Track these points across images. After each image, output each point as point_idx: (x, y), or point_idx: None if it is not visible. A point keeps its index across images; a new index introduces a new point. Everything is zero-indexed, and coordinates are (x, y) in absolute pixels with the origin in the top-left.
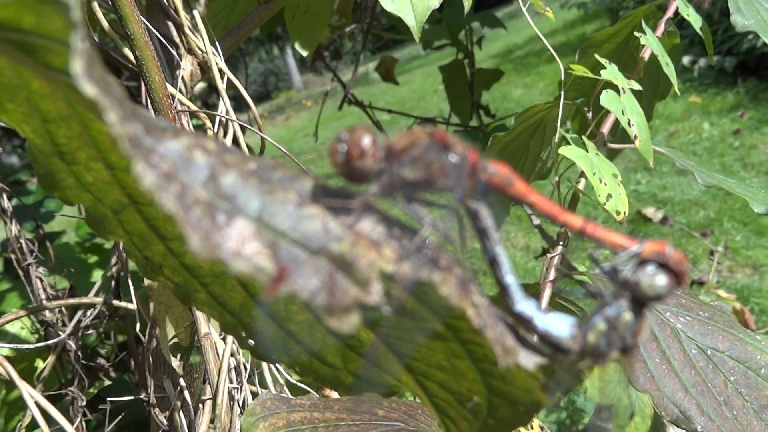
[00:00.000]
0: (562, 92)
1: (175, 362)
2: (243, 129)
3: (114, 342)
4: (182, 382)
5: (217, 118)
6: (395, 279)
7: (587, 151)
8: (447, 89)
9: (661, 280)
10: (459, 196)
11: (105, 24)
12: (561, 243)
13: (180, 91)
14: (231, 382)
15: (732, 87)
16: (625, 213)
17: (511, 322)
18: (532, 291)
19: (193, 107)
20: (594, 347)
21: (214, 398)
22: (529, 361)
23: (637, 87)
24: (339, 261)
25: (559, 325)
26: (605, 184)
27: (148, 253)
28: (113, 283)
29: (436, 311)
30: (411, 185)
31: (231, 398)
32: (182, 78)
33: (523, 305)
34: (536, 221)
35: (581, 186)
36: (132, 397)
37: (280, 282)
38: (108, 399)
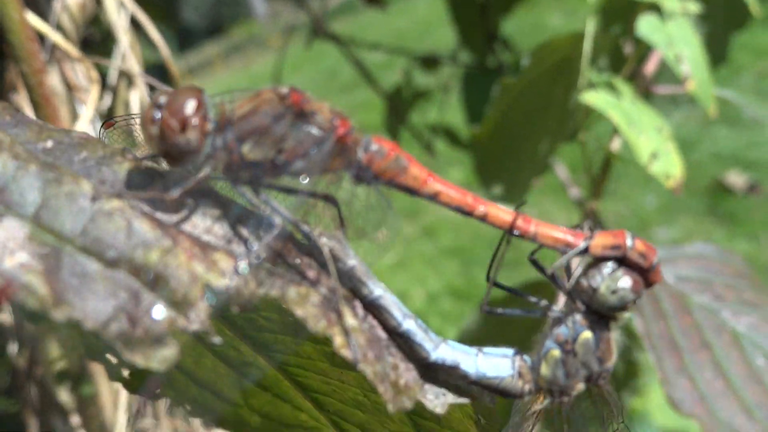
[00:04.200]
0: (591, 19)
1: (64, 394)
2: (159, 81)
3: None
4: (71, 420)
5: (112, 70)
6: (230, 297)
7: (620, 98)
8: (453, 14)
9: (625, 281)
10: (314, 180)
11: None
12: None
13: (63, 31)
14: (141, 415)
15: None
16: (678, 177)
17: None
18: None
19: (74, 53)
20: (550, 382)
21: None
22: (438, 401)
23: (694, 8)
24: (147, 275)
25: (497, 363)
26: (647, 140)
27: None
28: None
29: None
30: (257, 167)
31: None
32: (67, 12)
33: (441, 351)
34: (574, 193)
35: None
36: None
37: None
38: None
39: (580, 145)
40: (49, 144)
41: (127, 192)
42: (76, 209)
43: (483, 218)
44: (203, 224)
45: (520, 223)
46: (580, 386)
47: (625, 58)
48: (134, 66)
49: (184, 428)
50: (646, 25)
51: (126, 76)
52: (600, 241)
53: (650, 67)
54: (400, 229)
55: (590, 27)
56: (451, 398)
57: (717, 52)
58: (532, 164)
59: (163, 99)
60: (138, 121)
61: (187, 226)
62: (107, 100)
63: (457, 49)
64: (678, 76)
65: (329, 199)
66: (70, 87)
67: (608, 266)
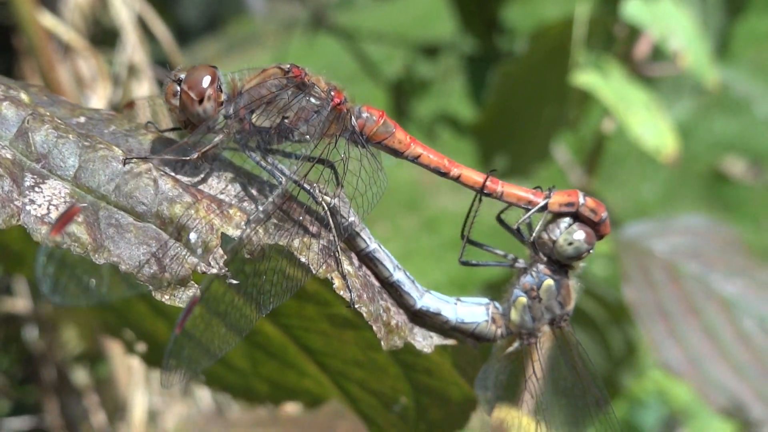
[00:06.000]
0: (581, 3)
1: (82, 375)
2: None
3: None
4: (88, 400)
5: (119, 63)
6: (244, 244)
7: (609, 78)
8: (454, 2)
9: (579, 233)
10: (315, 144)
11: None
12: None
13: (74, 28)
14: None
15: None
16: (671, 151)
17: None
18: None
19: (86, 48)
20: (519, 326)
21: (129, 418)
22: (426, 342)
23: None
24: (171, 226)
25: (473, 311)
26: (637, 116)
27: (3, 239)
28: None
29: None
30: (265, 133)
31: (157, 417)
32: (77, 9)
33: (426, 300)
34: (574, 176)
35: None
36: (30, 427)
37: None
38: None
39: (576, 131)
40: (82, 119)
41: (152, 156)
42: (109, 171)
43: (457, 179)
44: (218, 185)
45: (489, 183)
46: (545, 329)
47: (617, 41)
48: (142, 59)
49: (193, 408)
50: (632, 6)
51: (134, 70)
52: (557, 199)
53: (641, 48)
54: (387, 186)
55: (580, 11)
56: (437, 340)
57: (718, 38)
58: (533, 149)
59: (182, 75)
60: (153, 101)
61: (204, 187)
62: (113, 93)
63: (458, 38)
64: (668, 55)
65: (327, 162)
66: (79, 81)
67: (565, 221)
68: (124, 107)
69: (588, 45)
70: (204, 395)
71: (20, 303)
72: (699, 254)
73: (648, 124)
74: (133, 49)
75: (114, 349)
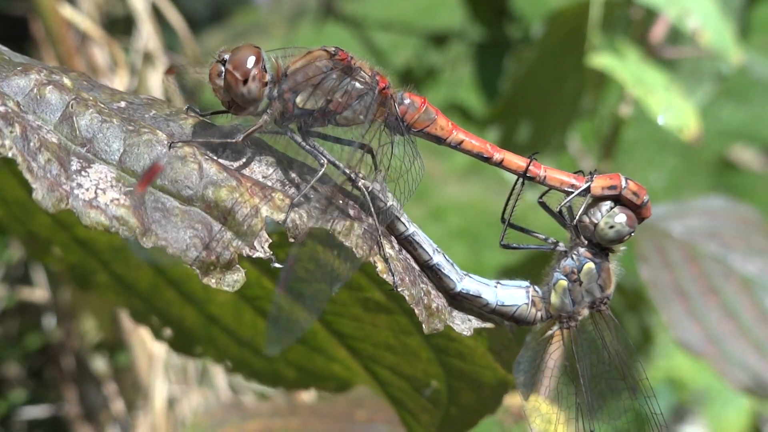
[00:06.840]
0: None
1: (100, 364)
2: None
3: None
4: (107, 388)
5: (134, 51)
6: (288, 228)
7: (626, 60)
8: None
9: (621, 217)
10: (365, 130)
11: None
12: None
13: (89, 14)
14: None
15: None
16: (693, 128)
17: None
18: None
19: (98, 34)
20: (559, 309)
21: (148, 407)
22: (465, 326)
23: None
24: (217, 210)
25: (513, 294)
26: (656, 96)
27: (32, 227)
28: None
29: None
30: (308, 116)
31: (175, 405)
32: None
33: (466, 283)
34: (586, 165)
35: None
36: (48, 415)
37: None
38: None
39: (592, 118)
40: (123, 104)
41: (197, 140)
42: (154, 155)
43: (499, 163)
44: (260, 169)
45: (532, 167)
46: (585, 312)
47: (632, 24)
48: (157, 47)
49: (211, 396)
50: None
51: (149, 57)
52: (599, 183)
53: (658, 31)
54: (425, 174)
55: None
56: (475, 323)
57: (738, 22)
58: (551, 135)
59: (226, 55)
60: (193, 68)
61: (246, 171)
62: (129, 80)
63: (466, 26)
64: (686, 35)
65: (368, 148)
66: (95, 69)
67: (606, 204)
68: (165, 73)
69: (604, 28)
70: (222, 384)
71: (39, 292)
72: (717, 235)
73: (668, 103)
74: (148, 37)
75: (134, 337)
